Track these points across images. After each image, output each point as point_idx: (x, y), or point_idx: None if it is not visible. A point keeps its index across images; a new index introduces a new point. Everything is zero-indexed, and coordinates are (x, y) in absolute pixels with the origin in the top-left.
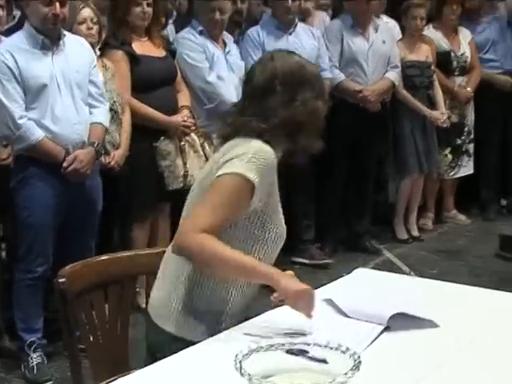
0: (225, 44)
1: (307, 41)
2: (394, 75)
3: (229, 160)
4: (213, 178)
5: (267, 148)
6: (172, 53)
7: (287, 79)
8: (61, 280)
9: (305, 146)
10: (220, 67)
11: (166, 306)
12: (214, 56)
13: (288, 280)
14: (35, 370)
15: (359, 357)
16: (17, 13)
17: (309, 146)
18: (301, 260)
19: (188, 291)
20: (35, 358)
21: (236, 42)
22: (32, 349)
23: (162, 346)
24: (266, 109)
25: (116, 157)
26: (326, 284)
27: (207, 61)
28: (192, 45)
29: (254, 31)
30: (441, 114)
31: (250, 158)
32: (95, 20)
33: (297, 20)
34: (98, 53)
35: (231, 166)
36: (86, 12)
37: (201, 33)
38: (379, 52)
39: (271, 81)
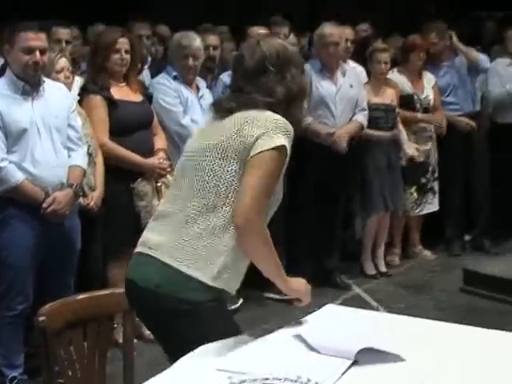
0: (198, 89)
1: None
2: (362, 118)
3: (260, 136)
4: (251, 155)
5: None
6: (149, 97)
7: (276, 59)
8: (41, 318)
9: (297, 119)
10: (194, 111)
11: (199, 255)
12: (188, 100)
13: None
14: None
15: None
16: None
17: (300, 120)
18: (272, 295)
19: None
20: None
21: (209, 86)
22: None
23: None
24: (263, 87)
25: (94, 198)
26: (296, 319)
27: (181, 105)
28: (167, 90)
29: (226, 76)
30: (411, 149)
31: (279, 129)
32: (71, 69)
33: None
34: (78, 97)
35: (266, 141)
36: (63, 62)
37: (175, 78)
38: (347, 95)
39: (262, 62)
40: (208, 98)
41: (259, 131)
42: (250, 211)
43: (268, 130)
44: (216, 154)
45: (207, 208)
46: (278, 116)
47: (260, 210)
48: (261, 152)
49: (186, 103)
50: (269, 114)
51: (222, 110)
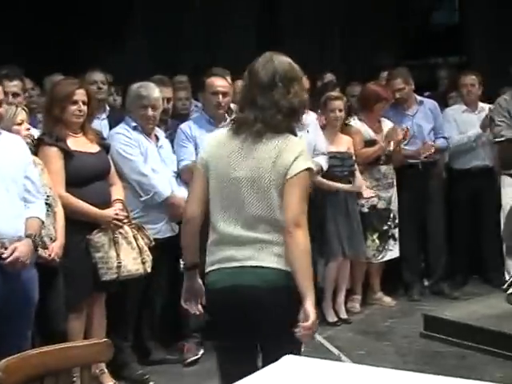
0: (157, 138)
1: None
2: (321, 160)
3: (294, 160)
4: (291, 174)
5: None
6: (105, 147)
7: (284, 76)
8: None
9: (295, 133)
10: (153, 160)
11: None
12: (148, 150)
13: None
14: None
15: None
16: None
17: (296, 134)
18: None
19: None
20: None
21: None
22: None
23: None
24: (272, 101)
25: (55, 248)
26: (255, 371)
27: (141, 155)
28: (126, 140)
29: (186, 126)
30: (363, 182)
31: (304, 152)
32: (29, 122)
33: (227, 115)
34: (33, 148)
35: (300, 163)
36: (22, 114)
37: (134, 128)
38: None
39: (273, 77)
40: (167, 147)
41: (293, 156)
42: (301, 219)
43: (299, 155)
44: (260, 183)
45: (271, 227)
46: (300, 140)
47: (305, 218)
48: (298, 173)
49: (145, 153)
50: (295, 139)
51: (245, 127)
